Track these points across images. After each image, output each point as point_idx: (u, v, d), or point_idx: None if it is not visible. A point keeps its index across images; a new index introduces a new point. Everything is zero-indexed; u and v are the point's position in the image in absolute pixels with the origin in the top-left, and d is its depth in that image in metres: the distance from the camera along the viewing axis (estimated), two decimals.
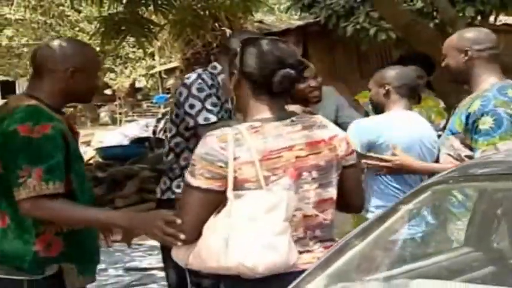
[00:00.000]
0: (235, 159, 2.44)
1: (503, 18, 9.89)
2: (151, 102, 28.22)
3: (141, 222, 2.69)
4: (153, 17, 8.26)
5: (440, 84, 5.36)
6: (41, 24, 27.63)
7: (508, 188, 2.80)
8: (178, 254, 2.59)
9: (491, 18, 9.06)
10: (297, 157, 2.52)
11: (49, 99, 2.88)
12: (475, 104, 3.33)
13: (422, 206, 2.63)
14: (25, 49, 29.31)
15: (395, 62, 4.66)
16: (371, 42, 8.51)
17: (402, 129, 3.62)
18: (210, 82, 3.69)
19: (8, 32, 27.79)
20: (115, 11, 7.67)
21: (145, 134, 15.17)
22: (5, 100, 3.28)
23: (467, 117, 3.33)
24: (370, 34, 8.27)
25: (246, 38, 2.70)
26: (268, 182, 2.45)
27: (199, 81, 3.66)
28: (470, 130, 3.32)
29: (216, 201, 2.47)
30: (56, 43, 3.02)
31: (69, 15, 27.20)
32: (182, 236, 2.48)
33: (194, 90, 3.64)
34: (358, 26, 8.32)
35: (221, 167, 2.45)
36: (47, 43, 3.04)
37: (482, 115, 3.28)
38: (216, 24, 11.83)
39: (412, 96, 3.75)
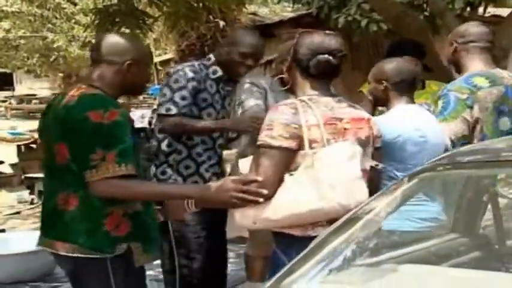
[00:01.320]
0: (306, 121, 2.81)
1: (491, 10, 9.91)
2: (147, 94, 28.20)
3: (215, 191, 2.87)
4: (148, 9, 8.28)
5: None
6: (38, 16, 27.59)
7: (494, 175, 2.88)
8: (244, 217, 2.85)
9: (480, 10, 9.09)
10: (345, 128, 2.89)
11: (107, 89, 3.03)
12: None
13: (410, 193, 2.69)
14: (22, 41, 29.27)
15: (386, 52, 4.62)
16: (362, 34, 8.53)
17: (413, 125, 3.47)
18: (190, 75, 3.80)
19: (5, 24, 27.75)
20: (110, 3, 7.71)
21: (140, 125, 15.20)
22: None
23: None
24: (362, 25, 8.29)
25: (301, 31, 3.04)
26: (329, 144, 2.81)
27: (180, 73, 3.81)
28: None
29: (291, 159, 2.80)
30: (114, 37, 3.21)
31: (65, 8, 27.17)
32: (265, 191, 2.75)
33: (171, 81, 3.80)
34: (349, 18, 8.34)
35: (296, 128, 2.80)
36: (106, 36, 3.20)
37: (438, 98, 3.70)
38: (210, 16, 11.85)
39: (413, 90, 3.64)
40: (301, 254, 2.41)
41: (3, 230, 7.97)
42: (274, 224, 2.84)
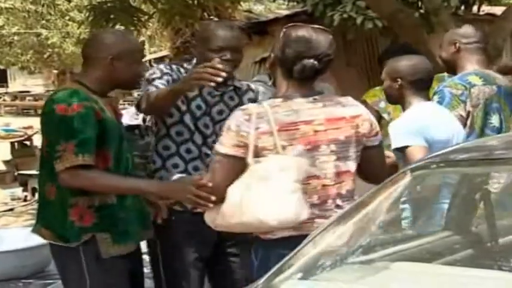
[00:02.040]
0: (256, 129, 2.74)
1: (486, 8, 9.94)
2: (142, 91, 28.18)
3: (175, 189, 3.07)
4: (142, 6, 8.28)
5: None
6: (32, 13, 27.57)
7: (487, 173, 2.88)
8: (208, 216, 2.88)
9: (475, 8, 9.12)
10: (315, 131, 2.79)
11: (93, 84, 3.16)
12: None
13: (404, 190, 2.68)
14: (16, 38, 29.23)
15: (381, 55, 4.63)
16: (357, 31, 8.54)
17: (438, 124, 3.49)
18: (165, 70, 3.49)
19: None
20: (104, 0, 7.70)
21: (135, 122, 15.20)
22: None
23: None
24: (357, 23, 8.29)
25: (290, 25, 2.95)
26: (285, 151, 2.75)
27: (154, 69, 3.51)
28: None
29: (240, 166, 2.76)
30: (100, 33, 3.47)
31: (59, 4, 27.14)
32: (213, 198, 2.79)
33: (146, 76, 3.46)
34: (345, 15, 8.34)
35: (243, 136, 2.75)
36: (93, 33, 3.41)
37: (434, 94, 3.76)
38: (205, 14, 11.83)
39: (429, 87, 3.61)
40: (293, 252, 2.41)
41: None
42: (229, 228, 2.85)
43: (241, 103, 3.49)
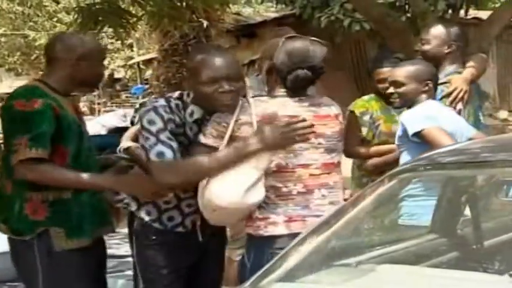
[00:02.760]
0: (236, 121, 2.88)
1: (472, 12, 10.01)
2: (130, 93, 28.13)
3: (129, 183, 3.18)
4: (131, 8, 8.26)
5: None
6: (19, 14, 27.45)
7: (473, 175, 2.90)
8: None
9: (462, 12, 9.16)
10: None
11: (56, 84, 3.26)
12: None
13: (390, 193, 2.69)
14: (3, 39, 29.11)
15: (371, 64, 4.64)
16: (345, 34, 8.57)
17: (444, 116, 3.60)
18: (166, 116, 3.04)
19: None
20: (93, 1, 7.68)
21: (123, 124, 15.14)
22: None
23: None
24: (344, 25, 8.32)
25: (290, 35, 3.04)
26: None
27: (152, 113, 3.04)
28: None
29: None
30: (63, 35, 3.63)
31: (47, 6, 27.04)
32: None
33: (145, 122, 3.04)
34: (332, 18, 8.37)
35: (224, 126, 2.89)
36: (56, 35, 3.55)
37: None
38: (194, 16, 11.84)
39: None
40: (280, 254, 2.42)
41: None
42: (212, 220, 2.99)
43: None
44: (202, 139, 2.93)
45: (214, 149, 2.88)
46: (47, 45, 3.45)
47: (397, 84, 3.64)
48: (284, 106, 2.94)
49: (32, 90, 3.21)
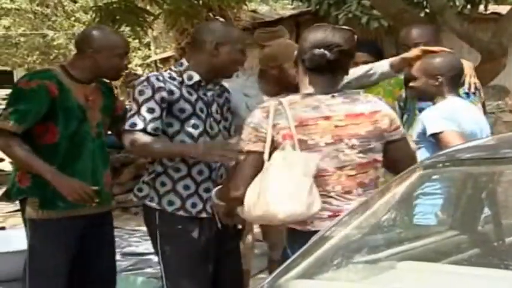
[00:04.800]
0: (274, 125, 2.86)
1: (492, 7, 9.91)
2: None
3: (64, 184, 3.49)
4: (148, 7, 8.29)
5: None
6: (38, 14, 27.60)
7: (493, 172, 2.88)
8: (239, 208, 3.01)
9: (481, 7, 9.09)
10: (335, 126, 2.89)
11: (74, 71, 3.62)
12: None
13: (410, 189, 2.69)
14: (22, 39, 29.27)
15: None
16: (363, 31, 8.54)
17: (466, 116, 3.61)
18: (157, 84, 3.37)
19: (5, 21, 27.72)
20: (110, 0, 7.71)
21: None
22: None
23: None
24: (362, 22, 8.29)
25: (315, 25, 3.04)
26: (305, 145, 2.84)
27: (145, 83, 3.38)
28: None
29: (261, 161, 2.87)
30: (87, 30, 4.04)
31: (65, 5, 27.17)
32: (235, 193, 2.92)
33: (136, 93, 3.38)
34: (350, 15, 8.34)
35: (263, 131, 2.88)
36: (84, 29, 4.06)
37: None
38: (210, 14, 11.84)
39: (461, 83, 3.78)
40: (300, 251, 2.41)
41: (3, 228, 7.97)
42: (254, 221, 3.13)
43: (227, 101, 3.64)
44: (244, 145, 2.92)
45: (260, 154, 2.87)
46: (76, 37, 3.99)
47: (412, 77, 3.72)
48: (318, 107, 2.90)
49: (42, 73, 3.69)
